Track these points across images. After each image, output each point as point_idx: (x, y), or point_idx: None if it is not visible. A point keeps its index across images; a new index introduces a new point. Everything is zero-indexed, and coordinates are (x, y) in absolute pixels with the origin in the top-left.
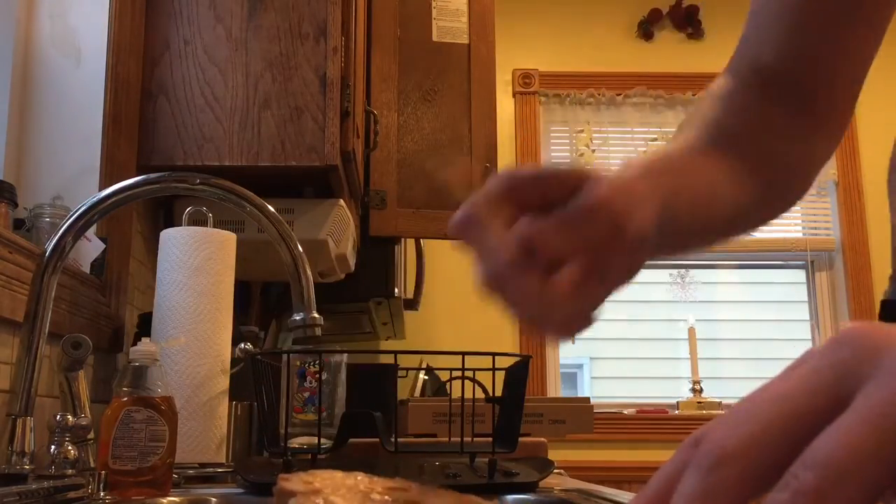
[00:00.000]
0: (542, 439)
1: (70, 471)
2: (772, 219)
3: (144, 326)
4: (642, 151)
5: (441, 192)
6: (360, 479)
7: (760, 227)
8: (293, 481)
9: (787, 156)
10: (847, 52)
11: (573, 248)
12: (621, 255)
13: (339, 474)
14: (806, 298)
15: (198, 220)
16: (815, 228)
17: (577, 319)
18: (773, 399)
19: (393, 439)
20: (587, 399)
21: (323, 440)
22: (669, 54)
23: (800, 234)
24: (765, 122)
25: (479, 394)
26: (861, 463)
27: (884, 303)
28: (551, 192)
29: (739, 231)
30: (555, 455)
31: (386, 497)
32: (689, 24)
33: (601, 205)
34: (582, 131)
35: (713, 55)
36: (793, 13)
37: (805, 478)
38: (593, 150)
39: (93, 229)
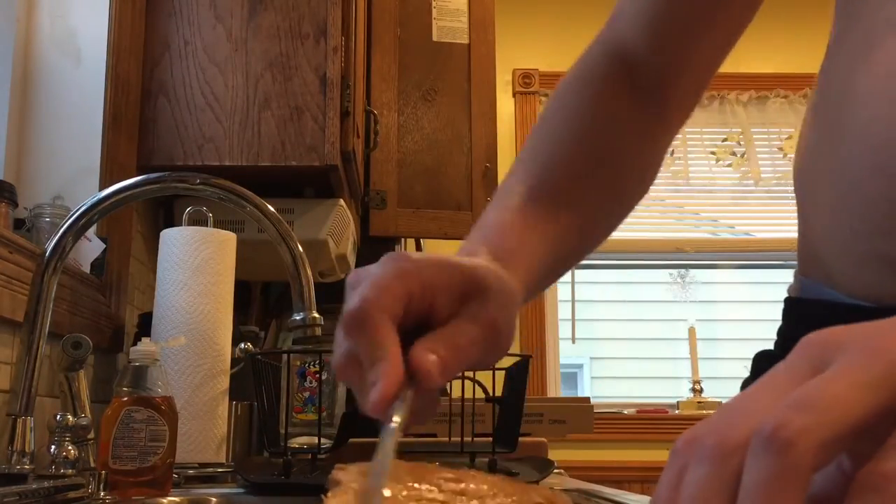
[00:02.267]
0: (543, 439)
1: (70, 471)
2: (618, 225)
3: (144, 326)
4: None
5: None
6: (423, 468)
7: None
8: (348, 471)
9: (634, 157)
10: (707, 38)
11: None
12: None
13: (403, 464)
14: None
15: (198, 220)
16: None
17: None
18: (766, 391)
19: None
20: (587, 399)
21: (323, 440)
22: None
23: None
24: (614, 112)
25: (480, 393)
26: (833, 406)
27: (787, 300)
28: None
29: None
30: (555, 455)
31: (439, 495)
32: None
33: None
34: None
35: None
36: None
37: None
38: None
39: (93, 229)
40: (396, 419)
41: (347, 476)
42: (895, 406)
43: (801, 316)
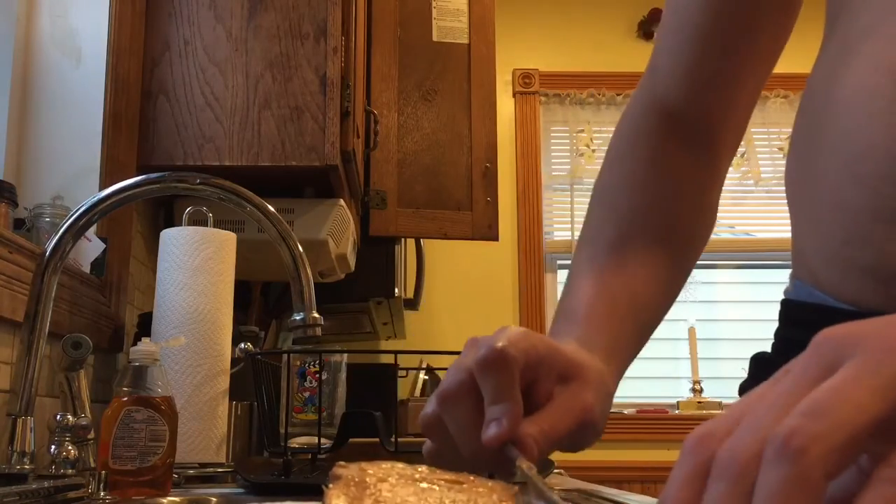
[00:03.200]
0: None
1: (70, 471)
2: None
3: (144, 326)
4: None
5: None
6: (422, 471)
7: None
8: (349, 468)
9: (698, 211)
10: (742, 79)
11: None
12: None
13: (399, 465)
14: None
15: (198, 220)
16: None
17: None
18: (778, 393)
19: (393, 439)
20: None
21: (323, 440)
22: None
23: None
24: (673, 172)
25: None
26: (845, 410)
27: (783, 301)
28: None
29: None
30: (555, 455)
31: (434, 486)
32: None
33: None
34: (582, 131)
35: None
36: (696, 41)
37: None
38: (593, 150)
39: (93, 229)
40: (528, 464)
41: (348, 471)
42: None
43: (792, 318)
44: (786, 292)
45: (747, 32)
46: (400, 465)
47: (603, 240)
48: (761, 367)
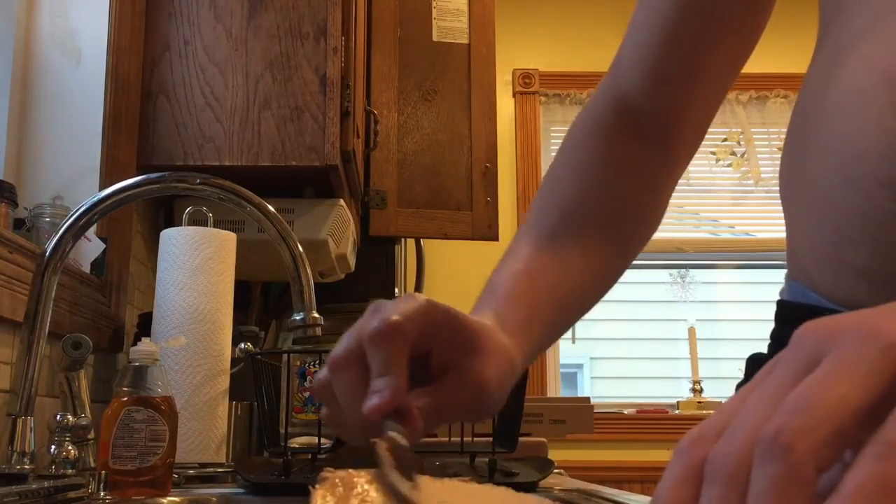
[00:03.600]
0: (543, 439)
1: (70, 471)
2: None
3: (144, 326)
4: None
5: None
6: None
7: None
8: (337, 472)
9: (643, 207)
10: (706, 77)
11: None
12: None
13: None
14: None
15: (198, 220)
16: None
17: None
18: (764, 392)
19: None
20: (587, 399)
21: (323, 440)
22: None
23: None
24: (623, 166)
25: None
26: (829, 402)
27: (779, 302)
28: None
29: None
30: (555, 455)
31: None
32: None
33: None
34: None
35: None
36: (662, 34)
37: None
38: None
39: (93, 229)
40: (386, 444)
41: (336, 474)
42: (894, 389)
43: (787, 319)
44: (781, 293)
45: (714, 30)
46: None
47: (543, 225)
48: (757, 368)
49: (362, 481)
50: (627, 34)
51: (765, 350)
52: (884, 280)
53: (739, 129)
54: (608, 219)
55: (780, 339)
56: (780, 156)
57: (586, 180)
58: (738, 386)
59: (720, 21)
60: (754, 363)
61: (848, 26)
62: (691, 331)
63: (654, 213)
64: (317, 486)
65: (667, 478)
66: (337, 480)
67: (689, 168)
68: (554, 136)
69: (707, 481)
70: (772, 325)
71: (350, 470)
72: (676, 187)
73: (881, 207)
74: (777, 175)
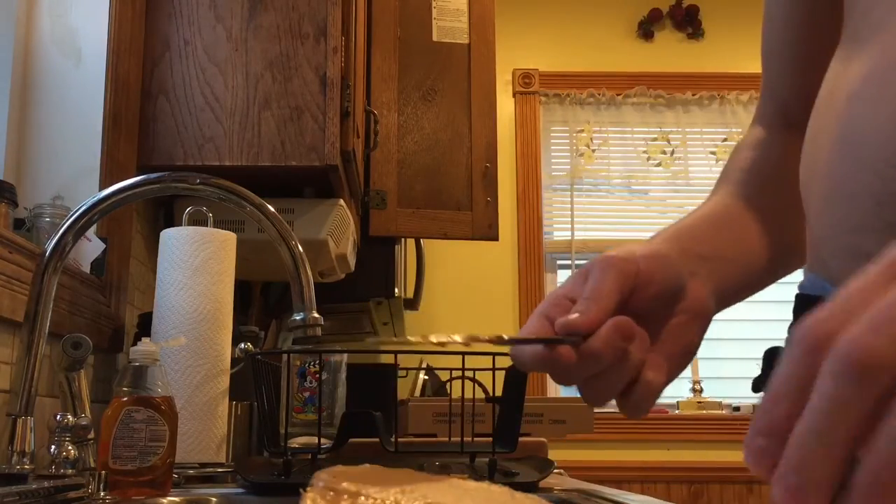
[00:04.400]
0: (543, 439)
1: (70, 471)
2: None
3: (144, 326)
4: (643, 153)
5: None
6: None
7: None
8: (329, 471)
9: None
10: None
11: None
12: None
13: (378, 467)
14: None
15: (198, 220)
16: None
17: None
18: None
19: (393, 439)
20: None
21: (323, 440)
22: (669, 54)
23: None
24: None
25: (480, 394)
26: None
27: (797, 296)
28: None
29: (774, 280)
30: (555, 455)
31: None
32: (689, 24)
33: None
34: (582, 131)
35: (713, 55)
36: (798, 50)
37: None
38: (593, 150)
39: (93, 229)
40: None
41: (326, 475)
42: None
43: (804, 312)
44: (800, 286)
45: (826, 30)
46: (379, 467)
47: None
48: (775, 363)
49: (352, 489)
50: (765, 65)
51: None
52: None
53: (739, 129)
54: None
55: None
56: None
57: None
58: (755, 381)
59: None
60: (772, 357)
61: (866, 19)
62: None
63: None
64: (308, 489)
65: (783, 374)
66: (326, 487)
67: (689, 168)
68: (554, 136)
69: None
70: (772, 325)
71: (344, 468)
72: (676, 187)
73: (894, 190)
74: None
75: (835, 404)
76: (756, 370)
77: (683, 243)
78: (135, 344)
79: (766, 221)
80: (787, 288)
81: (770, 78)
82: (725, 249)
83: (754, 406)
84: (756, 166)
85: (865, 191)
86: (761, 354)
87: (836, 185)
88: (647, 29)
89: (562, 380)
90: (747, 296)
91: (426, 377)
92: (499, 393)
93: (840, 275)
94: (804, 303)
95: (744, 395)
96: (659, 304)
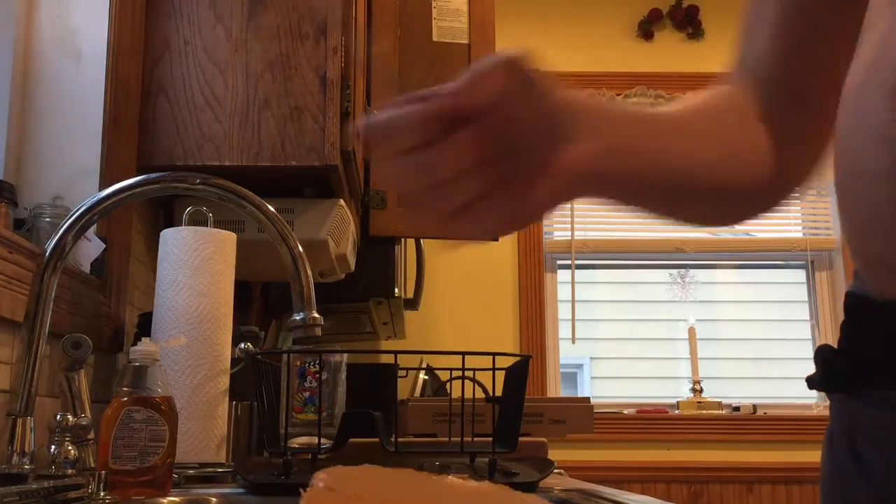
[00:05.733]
0: (543, 439)
1: (70, 471)
2: (759, 212)
3: (144, 326)
4: None
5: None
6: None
7: (747, 219)
8: (328, 472)
9: (787, 151)
10: (833, 43)
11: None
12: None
13: (378, 467)
14: (806, 298)
15: (198, 220)
16: (815, 228)
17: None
18: None
19: (393, 439)
20: (587, 399)
21: (323, 440)
22: (669, 54)
23: (800, 234)
24: (765, 122)
25: (480, 394)
26: None
27: (847, 294)
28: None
29: (724, 211)
30: (555, 455)
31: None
32: (689, 24)
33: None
34: None
35: (713, 55)
36: (782, 12)
37: None
38: None
39: (93, 229)
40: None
41: (326, 476)
42: None
43: (850, 311)
44: (852, 286)
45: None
46: (378, 467)
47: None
48: (825, 360)
49: (351, 491)
50: (743, 29)
51: (766, 349)
52: None
53: None
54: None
55: (847, 331)
56: None
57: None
58: (809, 379)
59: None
60: (822, 354)
61: (867, 17)
62: (691, 331)
63: (800, 163)
64: (307, 489)
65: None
66: (326, 487)
67: None
68: None
69: None
70: (772, 325)
71: (343, 468)
72: None
73: (886, 200)
74: None
75: None
76: (755, 370)
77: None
78: (135, 344)
79: (727, 142)
80: (787, 288)
81: (746, 25)
82: (649, 135)
83: (754, 406)
84: (708, 95)
85: (861, 199)
86: (760, 355)
87: (841, 191)
88: (646, 29)
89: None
90: (687, 199)
91: (426, 377)
92: (499, 393)
93: (863, 277)
94: (851, 301)
95: (744, 395)
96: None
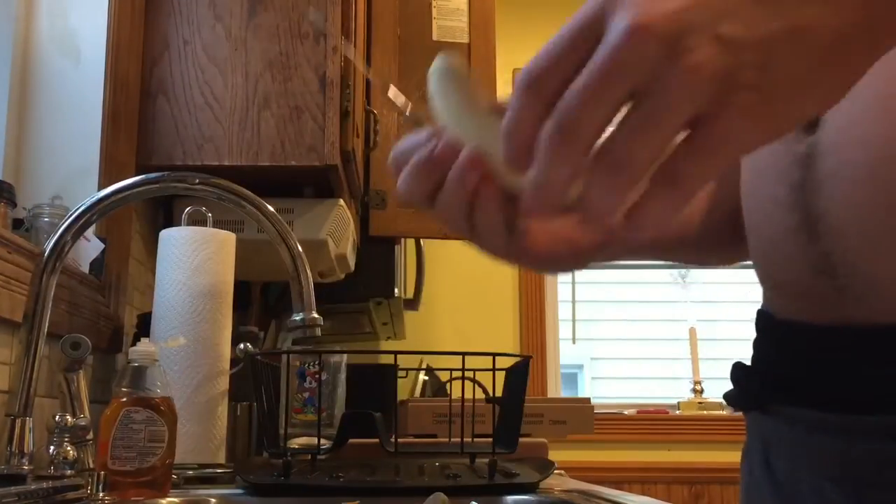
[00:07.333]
0: (543, 440)
1: (69, 471)
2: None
3: (144, 326)
4: None
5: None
6: None
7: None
8: None
9: None
10: None
11: None
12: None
13: None
14: None
15: (197, 220)
16: None
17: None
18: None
19: (393, 440)
20: (587, 399)
21: (323, 440)
22: None
23: None
24: None
25: (480, 394)
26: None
27: (757, 311)
28: None
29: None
30: (555, 455)
31: None
32: None
33: None
34: None
35: None
36: None
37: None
38: None
39: (92, 229)
40: None
41: None
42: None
43: (759, 327)
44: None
45: None
46: None
47: None
48: (740, 376)
49: None
50: None
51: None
52: (799, 294)
53: None
54: None
55: (755, 346)
56: None
57: None
58: (726, 395)
59: None
60: (735, 373)
61: None
62: (692, 331)
63: None
64: None
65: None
66: None
67: None
68: None
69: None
70: None
71: None
72: None
73: (784, 228)
74: None
75: (613, 63)
76: None
77: None
78: (134, 344)
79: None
80: None
81: None
82: None
83: None
84: None
85: (760, 226)
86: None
87: (747, 217)
88: None
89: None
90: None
91: (426, 377)
92: (499, 394)
93: (765, 295)
94: (759, 318)
95: None
96: None
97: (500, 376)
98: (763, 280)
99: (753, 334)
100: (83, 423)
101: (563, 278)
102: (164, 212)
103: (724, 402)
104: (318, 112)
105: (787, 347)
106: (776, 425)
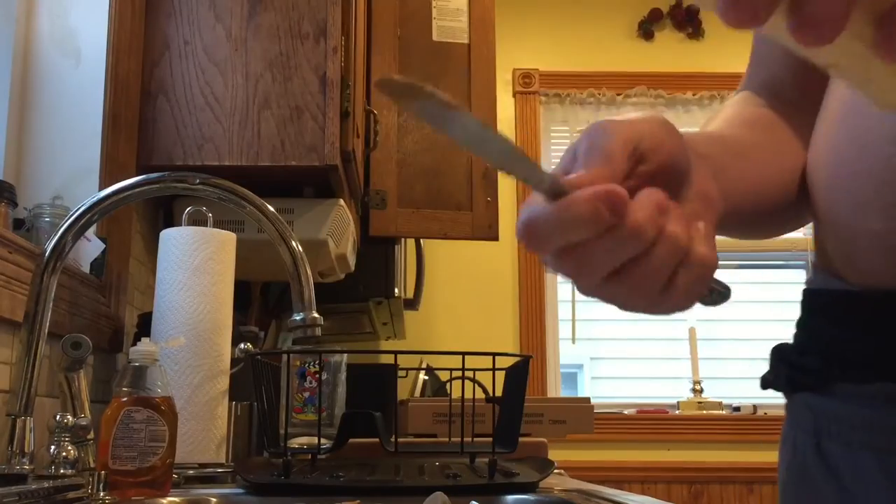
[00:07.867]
0: (543, 439)
1: (70, 471)
2: (803, 223)
3: (144, 326)
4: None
5: (441, 192)
6: None
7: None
8: None
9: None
10: None
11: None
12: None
13: None
14: None
15: (197, 220)
16: None
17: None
18: None
19: (393, 439)
20: (587, 399)
21: (323, 440)
22: (669, 54)
23: (800, 234)
24: (785, 120)
25: (480, 394)
26: None
27: (804, 291)
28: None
29: (784, 220)
30: (555, 455)
31: None
32: (689, 23)
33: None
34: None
35: (713, 55)
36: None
37: None
38: None
39: (93, 229)
40: None
41: None
42: None
43: (812, 306)
44: (807, 283)
45: None
46: None
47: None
48: (781, 358)
49: None
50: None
51: (766, 349)
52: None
53: None
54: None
55: (806, 326)
56: None
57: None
58: (763, 378)
59: None
60: (782, 353)
61: None
62: (692, 331)
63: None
64: None
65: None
66: None
67: None
68: (554, 135)
69: None
70: (773, 325)
71: None
72: None
73: (891, 166)
74: None
75: None
76: (755, 370)
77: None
78: (134, 344)
79: (764, 150)
80: (788, 288)
81: (760, 50)
82: (727, 160)
83: (755, 406)
84: (747, 110)
85: (861, 168)
86: (763, 354)
87: (834, 167)
88: (647, 29)
89: (589, 272)
90: (752, 221)
91: (426, 377)
92: (499, 393)
93: (842, 262)
94: (812, 297)
95: (744, 395)
96: (668, 179)
97: (500, 376)
98: (844, 244)
99: (754, 334)
100: (84, 423)
101: (564, 278)
102: (164, 212)
103: (723, 403)
104: (318, 112)
105: (859, 320)
106: (836, 405)
